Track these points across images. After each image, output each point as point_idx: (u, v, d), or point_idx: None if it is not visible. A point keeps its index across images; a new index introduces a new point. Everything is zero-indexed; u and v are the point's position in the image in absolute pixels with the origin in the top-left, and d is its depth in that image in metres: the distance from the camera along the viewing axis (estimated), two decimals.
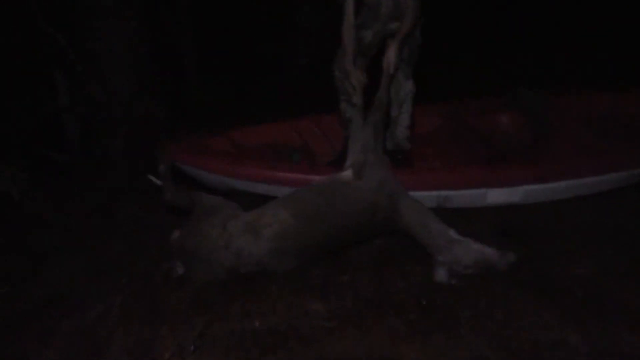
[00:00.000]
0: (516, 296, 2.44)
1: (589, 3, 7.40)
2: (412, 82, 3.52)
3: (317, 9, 7.25)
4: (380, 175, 2.78)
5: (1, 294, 2.92)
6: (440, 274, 2.56)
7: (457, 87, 5.46)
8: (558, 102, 3.98)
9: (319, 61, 7.15)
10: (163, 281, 2.72)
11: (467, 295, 2.46)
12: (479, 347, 2.17)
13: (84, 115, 4.81)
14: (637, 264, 2.68)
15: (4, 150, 4.20)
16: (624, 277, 2.57)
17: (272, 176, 3.15)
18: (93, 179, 4.44)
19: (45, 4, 4.72)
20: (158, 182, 2.91)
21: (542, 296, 2.44)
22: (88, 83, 4.65)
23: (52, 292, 2.87)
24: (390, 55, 3.16)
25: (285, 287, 2.59)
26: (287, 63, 7.62)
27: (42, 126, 5.05)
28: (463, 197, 3.14)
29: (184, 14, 6.49)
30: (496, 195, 3.15)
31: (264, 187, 3.21)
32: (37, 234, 3.58)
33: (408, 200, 2.72)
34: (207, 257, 2.62)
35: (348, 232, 2.70)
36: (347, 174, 2.80)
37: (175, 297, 2.59)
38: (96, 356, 2.33)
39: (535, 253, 2.79)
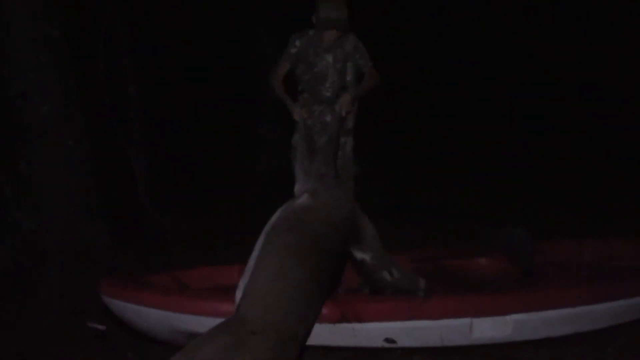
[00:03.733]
0: None
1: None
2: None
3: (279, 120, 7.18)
4: (338, 194, 2.94)
5: None
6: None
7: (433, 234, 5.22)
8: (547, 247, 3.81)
9: (279, 170, 7.05)
10: None
11: None
12: None
13: (11, 246, 4.28)
14: None
15: None
16: None
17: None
18: (16, 321, 3.84)
19: None
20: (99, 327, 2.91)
21: None
22: (17, 209, 4.19)
23: None
24: (344, 101, 3.51)
25: None
26: (247, 171, 7.55)
27: None
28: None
29: (136, 124, 6.11)
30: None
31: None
32: None
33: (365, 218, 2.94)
34: None
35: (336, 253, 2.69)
36: (304, 198, 2.77)
37: None
38: None
39: None
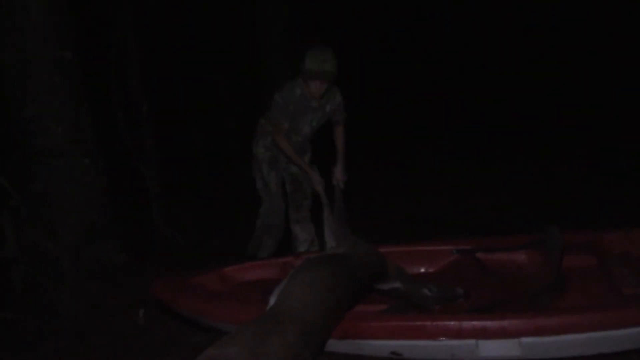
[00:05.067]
0: None
1: None
2: None
3: None
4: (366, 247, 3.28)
5: None
6: None
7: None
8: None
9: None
10: None
11: None
12: None
13: (29, 266, 4.27)
14: None
15: None
16: None
17: None
18: (37, 342, 3.84)
19: None
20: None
21: None
22: (33, 229, 4.19)
23: None
24: (337, 173, 3.95)
25: None
26: None
27: None
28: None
29: (149, 141, 6.12)
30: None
31: None
32: None
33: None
34: None
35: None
36: (338, 248, 3.28)
37: None
38: None
39: None
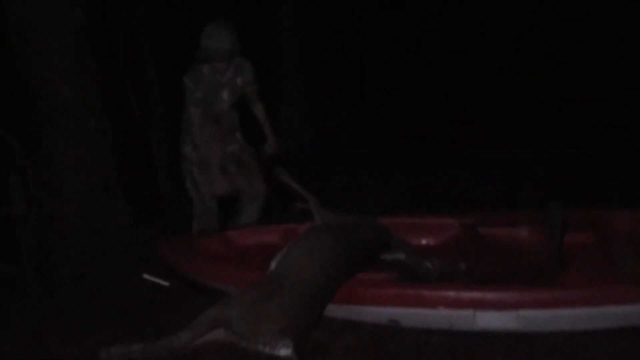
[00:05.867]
0: None
1: None
2: None
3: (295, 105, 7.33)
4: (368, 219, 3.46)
5: None
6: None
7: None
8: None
9: (298, 157, 7.01)
10: None
11: None
12: None
13: (35, 224, 4.30)
14: None
15: None
16: None
17: None
18: (41, 299, 3.93)
19: None
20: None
21: None
22: (39, 188, 4.18)
23: None
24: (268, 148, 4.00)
25: None
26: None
27: None
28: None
29: (156, 107, 6.10)
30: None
31: None
32: None
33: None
34: None
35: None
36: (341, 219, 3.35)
37: None
38: None
39: None
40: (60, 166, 4.25)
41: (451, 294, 2.74)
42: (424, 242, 3.76)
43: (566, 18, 9.54)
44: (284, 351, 2.28)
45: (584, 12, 9.23)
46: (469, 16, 10.30)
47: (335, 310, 2.85)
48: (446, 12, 10.33)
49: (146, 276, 3.60)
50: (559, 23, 9.69)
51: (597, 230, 3.43)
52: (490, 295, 2.71)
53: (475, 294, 2.72)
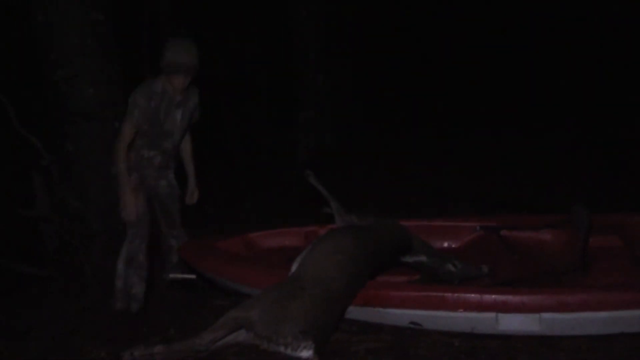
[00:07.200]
0: None
1: None
2: None
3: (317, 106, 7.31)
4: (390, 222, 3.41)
5: None
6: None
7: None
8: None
9: (318, 155, 7.04)
10: None
11: None
12: None
13: (60, 225, 4.35)
14: None
15: None
16: None
17: None
18: (65, 299, 3.98)
19: (22, 104, 4.48)
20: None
21: None
22: (64, 189, 4.23)
23: None
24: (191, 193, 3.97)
25: None
26: (287, 157, 7.49)
27: (15, 235, 4.70)
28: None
29: None
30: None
31: None
32: None
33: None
34: None
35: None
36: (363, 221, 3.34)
37: None
38: None
39: None
40: (84, 168, 4.30)
41: (473, 296, 2.72)
42: (445, 244, 3.75)
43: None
44: (306, 353, 2.29)
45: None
46: (501, 14, 10.18)
47: (356, 313, 2.85)
48: (480, 9, 10.22)
49: (172, 275, 3.65)
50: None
51: (622, 233, 3.39)
52: (512, 298, 2.68)
53: (498, 297, 2.70)
